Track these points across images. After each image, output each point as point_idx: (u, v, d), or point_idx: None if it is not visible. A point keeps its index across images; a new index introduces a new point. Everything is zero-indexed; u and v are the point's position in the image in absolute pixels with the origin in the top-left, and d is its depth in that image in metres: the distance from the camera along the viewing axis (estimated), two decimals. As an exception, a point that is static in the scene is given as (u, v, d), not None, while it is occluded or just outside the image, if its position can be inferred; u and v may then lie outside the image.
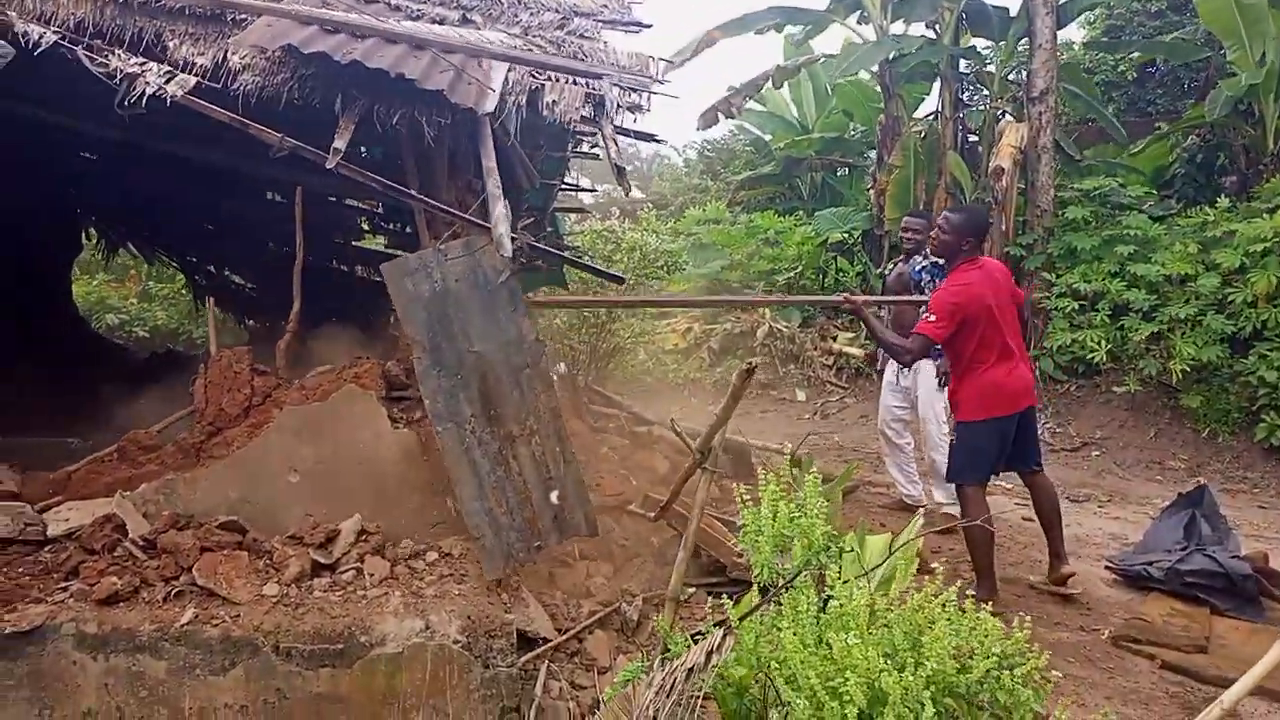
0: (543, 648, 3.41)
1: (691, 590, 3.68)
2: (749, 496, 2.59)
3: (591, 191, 9.72)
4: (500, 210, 3.14)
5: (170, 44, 3.44)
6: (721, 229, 13.50)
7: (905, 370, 5.60)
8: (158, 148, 5.34)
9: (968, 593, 2.54)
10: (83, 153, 6.86)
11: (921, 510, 4.94)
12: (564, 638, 3.51)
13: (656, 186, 21.67)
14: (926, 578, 2.60)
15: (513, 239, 3.16)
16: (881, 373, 6.05)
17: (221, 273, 7.84)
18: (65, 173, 7.27)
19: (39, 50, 3.10)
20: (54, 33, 3.17)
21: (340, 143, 3.31)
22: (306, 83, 3.45)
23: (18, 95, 3.21)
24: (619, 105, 3.65)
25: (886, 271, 5.83)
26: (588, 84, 3.67)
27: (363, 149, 5.75)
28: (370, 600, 3.26)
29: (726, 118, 11.33)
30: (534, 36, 3.92)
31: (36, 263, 7.33)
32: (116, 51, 3.25)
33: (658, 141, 4.56)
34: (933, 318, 4.10)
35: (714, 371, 10.67)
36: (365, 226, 7.20)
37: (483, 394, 3.35)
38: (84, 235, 8.25)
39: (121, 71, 3.15)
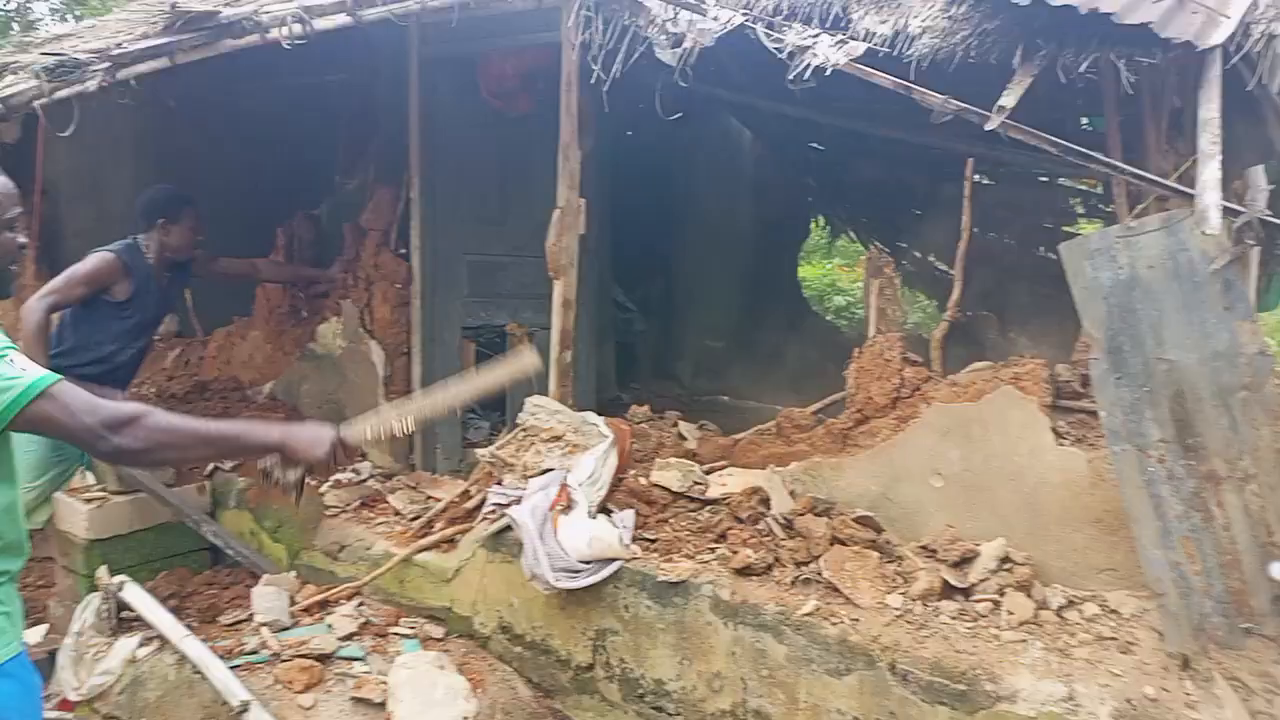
0: (1237, 772, 2.52)
1: None
2: None
3: None
4: (1210, 174, 2.32)
5: (854, 16, 3.36)
6: None
7: None
8: (871, 132, 5.43)
9: None
10: (811, 144, 7.39)
11: None
12: (1281, 768, 2.55)
13: None
14: None
15: (1236, 212, 2.32)
16: None
17: (925, 259, 7.79)
18: (800, 163, 7.97)
19: (726, 32, 3.28)
20: (741, 14, 3.32)
21: (1009, 100, 2.82)
22: (987, 38, 3.05)
23: (713, 80, 3.45)
24: None
25: None
26: None
27: (1084, 119, 5.04)
28: (1003, 643, 2.77)
29: None
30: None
31: (774, 246, 8.20)
32: (794, 26, 3.27)
33: None
34: None
35: None
36: (1080, 211, 6.41)
37: (1176, 415, 2.57)
38: (813, 221, 8.98)
39: (793, 45, 3.15)
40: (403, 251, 4.90)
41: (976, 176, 4.15)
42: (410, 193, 4.72)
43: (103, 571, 3.70)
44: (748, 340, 7.69)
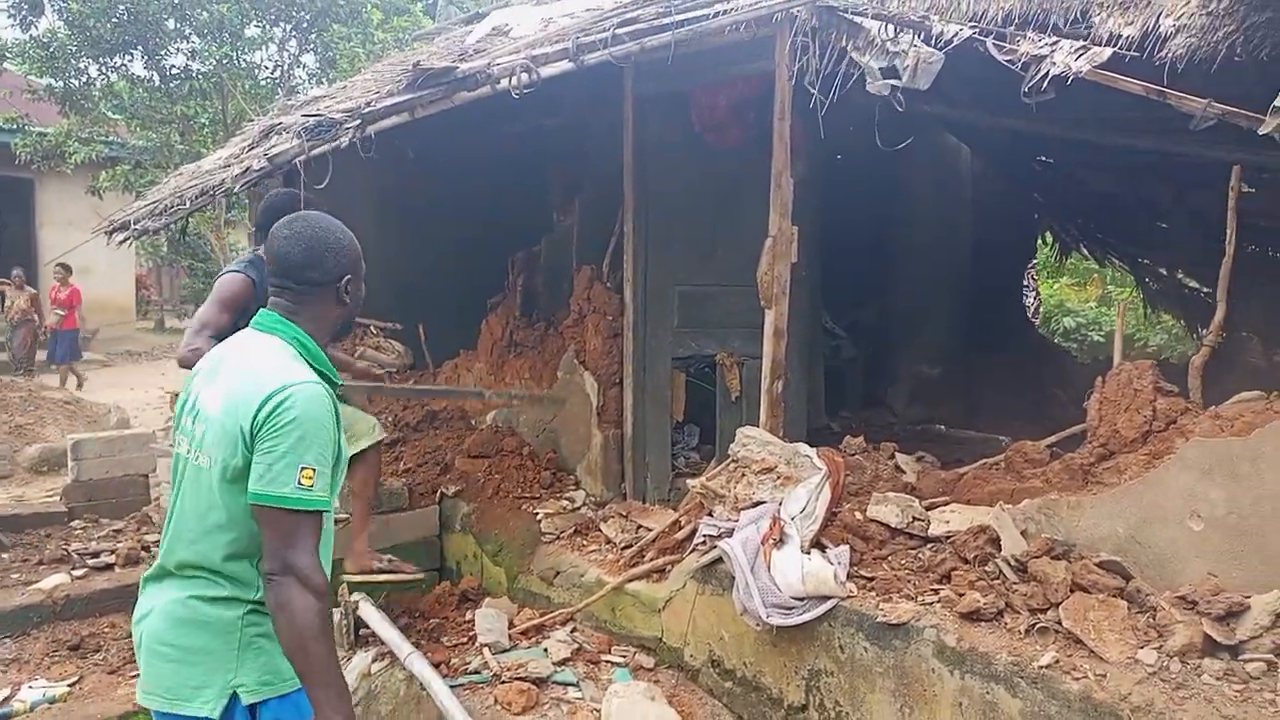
0: None
1: None
2: None
3: None
4: None
5: (1095, 19, 3.10)
6: None
7: None
8: (1110, 143, 5.03)
9: None
10: (1039, 157, 6.95)
11: None
12: None
13: None
14: None
15: None
16: None
17: (1174, 276, 7.10)
18: (1026, 178, 7.51)
19: (950, 47, 3.11)
20: (969, 28, 3.14)
21: (1289, 101, 2.51)
22: (1255, 32, 2.72)
23: (930, 98, 3.29)
24: None
25: None
26: None
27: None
28: (1280, 710, 2.43)
29: None
30: None
31: (995, 267, 7.75)
32: (1028, 35, 3.06)
33: None
34: None
35: None
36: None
37: None
38: (1040, 239, 8.43)
39: (1028, 55, 2.94)
40: (609, 284, 5.03)
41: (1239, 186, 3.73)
42: (624, 227, 4.84)
43: (343, 589, 3.98)
44: (966, 366, 7.31)
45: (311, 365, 2.10)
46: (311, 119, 4.12)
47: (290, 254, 2.12)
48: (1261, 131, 2.67)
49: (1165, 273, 7.27)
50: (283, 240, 2.13)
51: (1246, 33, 2.83)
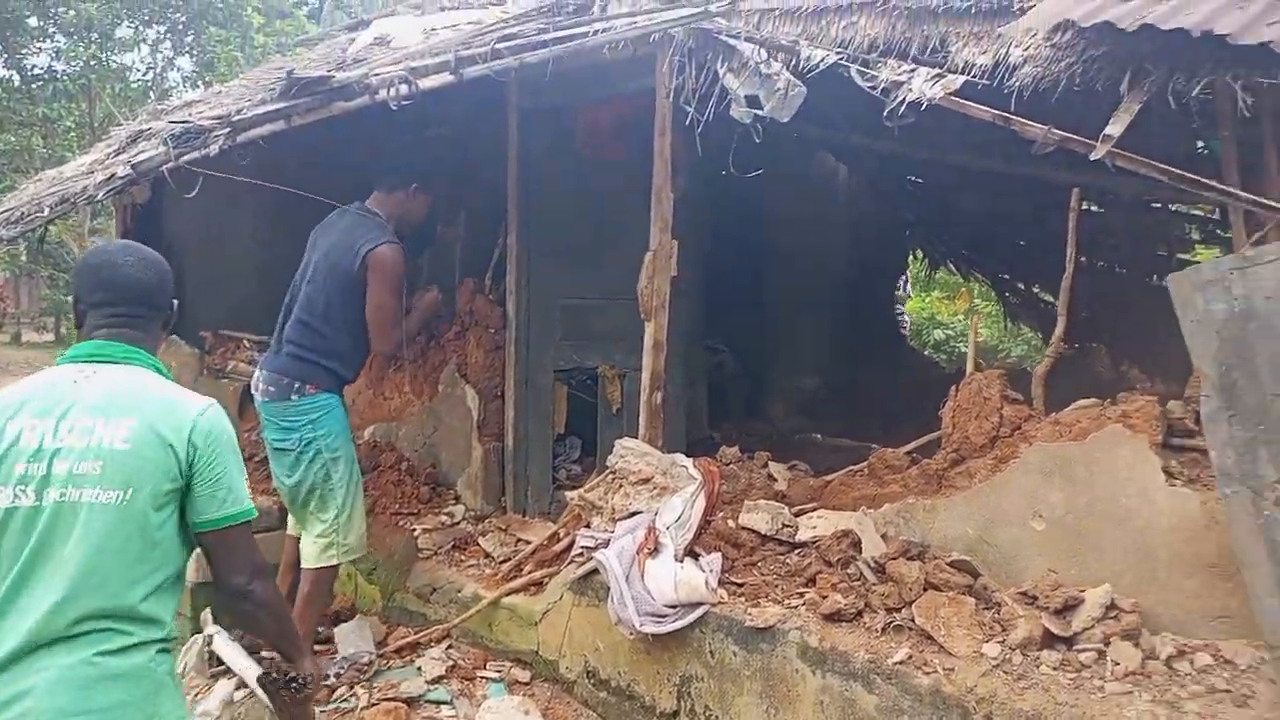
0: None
1: None
2: None
3: None
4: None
5: (953, 48, 3.30)
6: None
7: None
8: (969, 164, 5.31)
9: None
10: (909, 177, 7.28)
11: None
12: None
13: None
14: None
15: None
16: None
17: (1030, 290, 7.54)
18: (898, 196, 7.85)
19: (813, 73, 3.27)
20: (835, 53, 3.30)
21: (1115, 129, 2.72)
22: (1093, 65, 2.95)
23: (805, 118, 3.43)
24: None
25: None
26: None
27: (1199, 142, 4.83)
28: (1108, 695, 2.61)
29: None
30: None
31: (870, 282, 8.06)
32: (888, 62, 3.24)
33: None
34: None
35: None
36: (1197, 237, 6.11)
37: (1292, 457, 2.41)
38: (911, 254, 8.81)
39: (889, 81, 3.11)
40: (491, 297, 5.03)
41: (1085, 204, 4.01)
42: (508, 239, 4.84)
43: (206, 615, 3.84)
44: (842, 378, 7.56)
45: None
46: (179, 126, 3.99)
47: (144, 280, 2.10)
48: (1093, 156, 2.89)
49: (1023, 287, 7.71)
50: (130, 267, 2.10)
51: (1085, 65, 3.05)
